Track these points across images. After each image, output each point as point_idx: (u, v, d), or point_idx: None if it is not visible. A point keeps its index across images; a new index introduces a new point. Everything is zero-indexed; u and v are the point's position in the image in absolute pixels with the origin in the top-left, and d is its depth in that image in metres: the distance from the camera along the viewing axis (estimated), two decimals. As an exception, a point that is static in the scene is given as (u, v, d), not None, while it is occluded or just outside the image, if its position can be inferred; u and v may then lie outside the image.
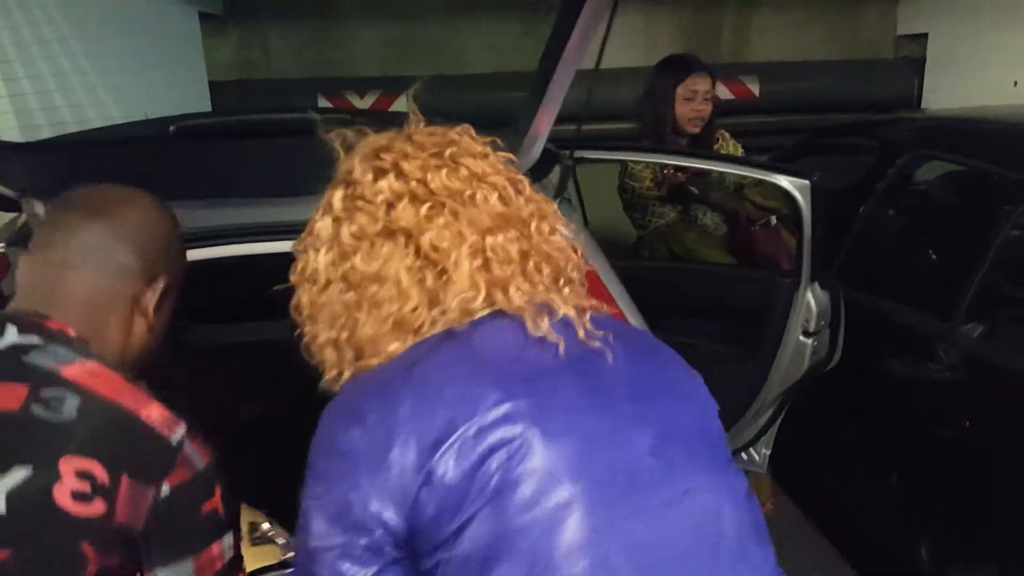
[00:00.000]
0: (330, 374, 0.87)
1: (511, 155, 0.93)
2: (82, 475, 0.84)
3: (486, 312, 0.82)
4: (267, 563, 1.53)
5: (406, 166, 0.85)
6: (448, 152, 0.87)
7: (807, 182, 2.12)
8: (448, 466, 0.71)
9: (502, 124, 1.40)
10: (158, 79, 3.84)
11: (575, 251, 0.91)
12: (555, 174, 1.85)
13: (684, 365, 0.91)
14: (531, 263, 0.85)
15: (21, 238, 1.49)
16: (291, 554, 1.53)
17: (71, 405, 0.86)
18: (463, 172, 0.86)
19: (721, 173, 2.76)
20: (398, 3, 5.08)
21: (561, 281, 0.87)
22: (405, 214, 0.83)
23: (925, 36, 5.17)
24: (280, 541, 1.61)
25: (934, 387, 2.30)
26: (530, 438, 0.72)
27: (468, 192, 0.85)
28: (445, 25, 5.20)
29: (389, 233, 0.83)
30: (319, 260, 0.86)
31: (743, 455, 2.68)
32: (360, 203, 0.85)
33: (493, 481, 0.70)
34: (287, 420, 1.21)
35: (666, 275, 2.77)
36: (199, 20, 4.60)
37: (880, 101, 5.21)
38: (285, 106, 2.98)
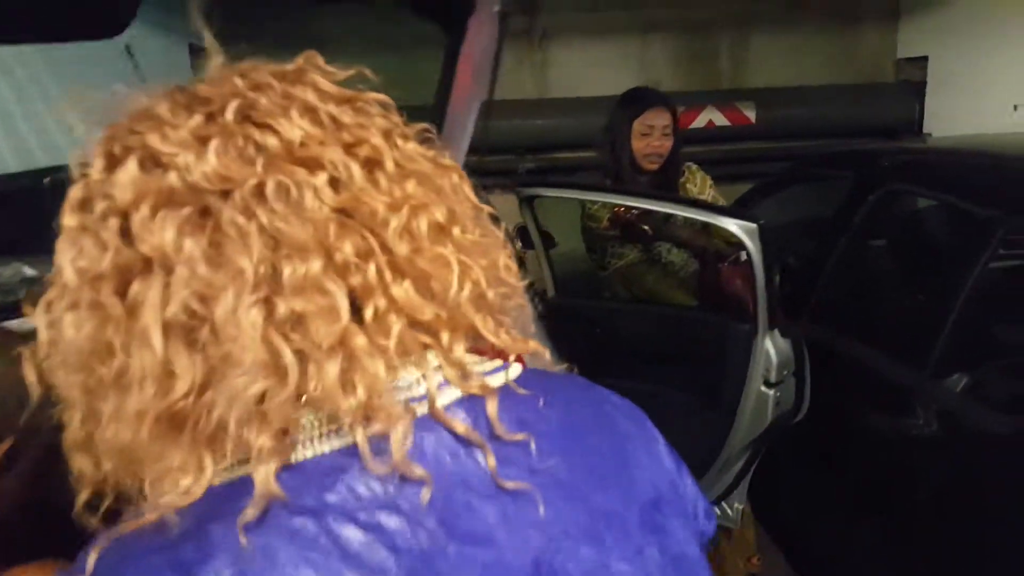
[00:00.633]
0: None
1: None
2: None
3: None
4: None
5: None
6: None
7: (755, 225, 1.97)
8: None
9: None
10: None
11: None
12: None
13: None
14: None
15: None
16: None
17: None
18: None
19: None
20: (390, 38, 5.04)
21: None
22: None
23: (926, 59, 5.00)
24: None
25: (914, 443, 2.13)
26: None
27: None
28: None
29: None
30: None
31: (715, 510, 2.54)
32: None
33: None
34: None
35: (624, 317, 2.63)
36: (189, 52, 4.60)
37: (881, 125, 5.04)
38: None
